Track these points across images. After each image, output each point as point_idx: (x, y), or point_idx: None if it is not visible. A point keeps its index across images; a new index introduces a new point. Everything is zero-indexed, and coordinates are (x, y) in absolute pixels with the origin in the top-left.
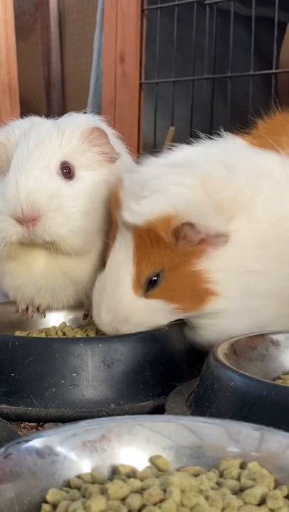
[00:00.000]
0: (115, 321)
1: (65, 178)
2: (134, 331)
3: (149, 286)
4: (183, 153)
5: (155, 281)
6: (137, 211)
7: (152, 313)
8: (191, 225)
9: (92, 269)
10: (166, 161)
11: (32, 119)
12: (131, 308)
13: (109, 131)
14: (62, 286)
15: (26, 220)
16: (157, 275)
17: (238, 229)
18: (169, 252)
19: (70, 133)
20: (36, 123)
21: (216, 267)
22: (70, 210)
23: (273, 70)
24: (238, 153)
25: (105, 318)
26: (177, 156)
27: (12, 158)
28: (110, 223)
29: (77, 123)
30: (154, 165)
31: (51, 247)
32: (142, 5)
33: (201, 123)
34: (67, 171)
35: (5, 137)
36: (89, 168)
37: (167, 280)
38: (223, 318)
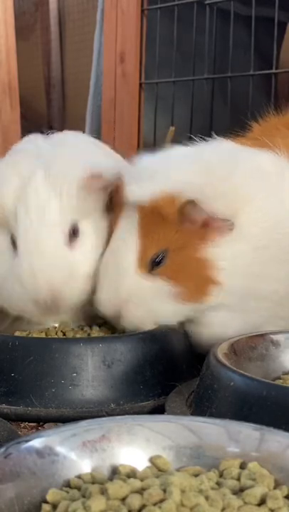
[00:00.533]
0: (117, 299)
1: (70, 239)
2: (135, 311)
3: (153, 265)
4: (183, 150)
5: (159, 262)
6: (142, 190)
7: (155, 294)
8: (194, 203)
9: None
10: (168, 153)
11: (16, 166)
12: (134, 286)
13: (104, 146)
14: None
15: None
16: (162, 255)
17: (242, 224)
18: (174, 233)
19: (68, 189)
20: (28, 182)
21: (220, 254)
22: (85, 276)
23: (273, 70)
24: (237, 151)
25: (106, 297)
26: (178, 150)
27: (10, 220)
28: (112, 207)
29: (72, 175)
30: (154, 156)
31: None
32: (142, 5)
33: (201, 123)
34: (72, 232)
35: None
36: (90, 218)
37: (171, 261)
38: (219, 316)
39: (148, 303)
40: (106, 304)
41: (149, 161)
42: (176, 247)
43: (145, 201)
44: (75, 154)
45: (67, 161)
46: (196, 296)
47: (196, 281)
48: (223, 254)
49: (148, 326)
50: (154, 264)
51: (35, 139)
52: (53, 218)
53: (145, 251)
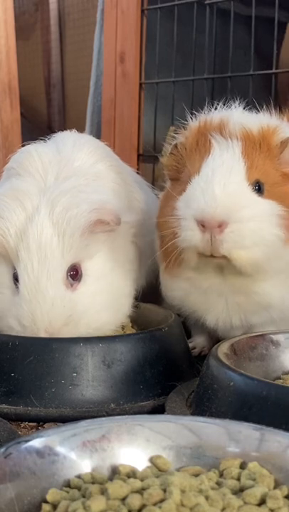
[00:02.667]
0: (231, 204)
1: (72, 281)
2: (242, 225)
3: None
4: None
5: (259, 188)
6: (251, 121)
7: (264, 210)
8: None
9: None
10: None
11: (18, 198)
12: (248, 197)
13: (113, 157)
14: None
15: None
16: (259, 185)
17: None
18: (272, 167)
19: (72, 231)
20: (31, 219)
21: None
22: (83, 320)
23: (273, 70)
24: None
25: (220, 201)
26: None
27: (18, 268)
28: (190, 152)
29: (77, 217)
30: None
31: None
32: (142, 5)
33: None
34: (74, 273)
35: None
36: (93, 258)
37: (270, 192)
38: (276, 284)
39: (257, 217)
40: (218, 207)
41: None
42: (273, 183)
43: (254, 130)
44: (80, 191)
45: (72, 200)
46: None
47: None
48: None
49: (249, 244)
50: (257, 191)
51: (38, 158)
52: (54, 261)
53: (250, 173)
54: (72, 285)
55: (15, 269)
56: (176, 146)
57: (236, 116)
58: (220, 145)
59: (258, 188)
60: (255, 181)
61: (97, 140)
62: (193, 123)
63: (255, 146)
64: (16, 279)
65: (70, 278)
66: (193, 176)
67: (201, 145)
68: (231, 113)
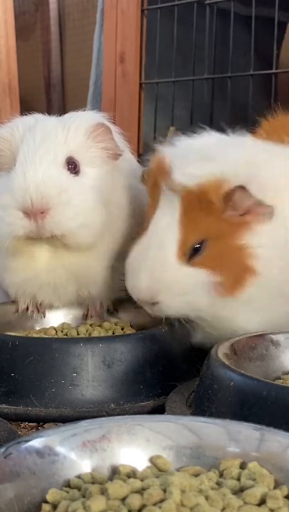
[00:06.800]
0: (156, 286)
1: (71, 173)
2: (173, 300)
3: (192, 254)
4: (219, 136)
5: (198, 249)
6: (190, 173)
7: (194, 283)
8: (243, 189)
9: (97, 264)
10: (207, 138)
11: (35, 115)
12: (175, 275)
13: (112, 127)
14: (65, 282)
15: (35, 212)
16: (202, 243)
17: (281, 212)
18: (215, 220)
19: (75, 129)
20: (40, 119)
21: (260, 242)
22: (79, 204)
23: (273, 70)
24: (262, 143)
25: (144, 284)
26: (214, 137)
27: (17, 154)
28: (150, 192)
29: (82, 119)
30: (202, 137)
31: (57, 242)
32: (142, 5)
33: (201, 123)
34: (72, 167)
35: (9, 133)
36: (93, 165)
37: (211, 249)
38: (244, 310)
39: (186, 293)
40: (144, 290)
41: (194, 144)
42: (217, 236)
43: (191, 186)
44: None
45: (80, 113)
46: (233, 287)
47: (235, 271)
48: (262, 242)
49: (182, 315)
50: (193, 253)
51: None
52: (56, 143)
53: (185, 239)
54: (70, 175)
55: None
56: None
57: (179, 167)
58: (164, 200)
59: (199, 246)
60: (198, 241)
61: None
62: (156, 155)
63: (195, 204)
64: None
65: (68, 168)
66: (147, 227)
67: (155, 189)
68: (179, 157)
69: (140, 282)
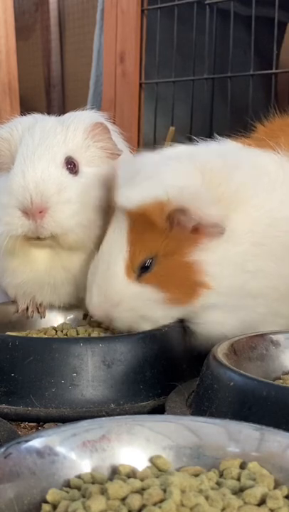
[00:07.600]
0: (106, 303)
1: (71, 173)
2: (125, 315)
3: (141, 271)
4: (182, 149)
5: (148, 268)
6: (131, 196)
7: (144, 300)
8: (183, 210)
9: None
10: (164, 153)
11: (34, 115)
12: (122, 292)
13: (111, 127)
14: (64, 282)
15: (34, 210)
16: (150, 260)
17: (235, 226)
18: (163, 238)
19: (74, 128)
20: (39, 119)
21: (209, 259)
22: (78, 203)
23: (273, 70)
24: (238, 152)
25: (96, 301)
26: (176, 150)
27: (16, 154)
28: (108, 209)
29: (81, 119)
30: (152, 155)
31: (55, 241)
32: (142, 5)
33: (201, 123)
34: (72, 166)
35: (8, 133)
36: (92, 164)
37: (160, 266)
38: (213, 315)
39: (137, 308)
40: (96, 307)
41: (141, 163)
42: (165, 253)
43: (134, 207)
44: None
45: (79, 112)
46: (185, 300)
47: (185, 287)
48: (212, 259)
49: (140, 327)
50: (142, 271)
51: None
52: (55, 143)
53: (134, 257)
54: (69, 174)
55: None
56: None
57: (124, 188)
58: (116, 216)
59: (150, 263)
60: (147, 258)
61: None
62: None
63: (141, 222)
64: None
65: (67, 168)
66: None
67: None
68: (126, 177)
69: (92, 299)
